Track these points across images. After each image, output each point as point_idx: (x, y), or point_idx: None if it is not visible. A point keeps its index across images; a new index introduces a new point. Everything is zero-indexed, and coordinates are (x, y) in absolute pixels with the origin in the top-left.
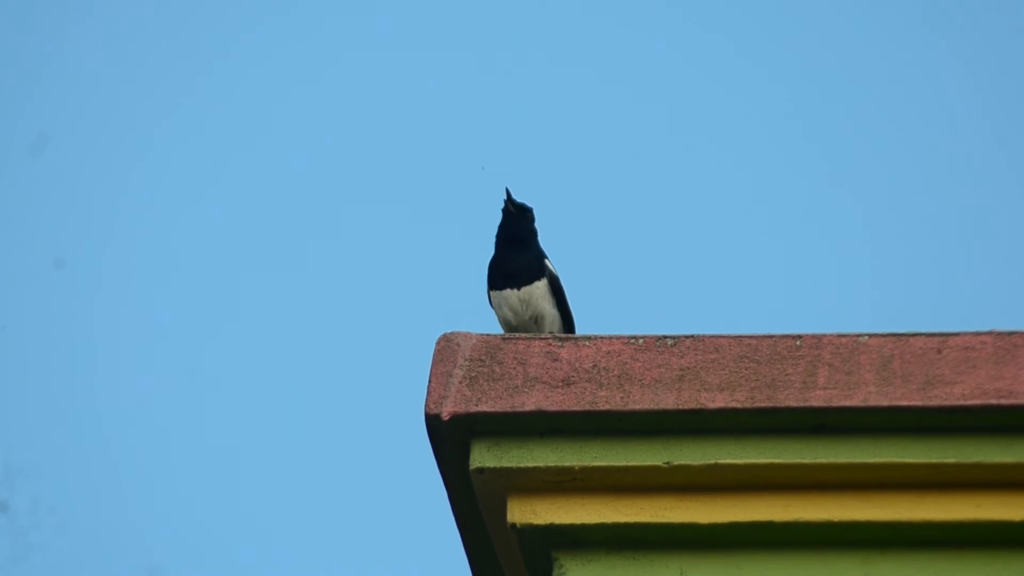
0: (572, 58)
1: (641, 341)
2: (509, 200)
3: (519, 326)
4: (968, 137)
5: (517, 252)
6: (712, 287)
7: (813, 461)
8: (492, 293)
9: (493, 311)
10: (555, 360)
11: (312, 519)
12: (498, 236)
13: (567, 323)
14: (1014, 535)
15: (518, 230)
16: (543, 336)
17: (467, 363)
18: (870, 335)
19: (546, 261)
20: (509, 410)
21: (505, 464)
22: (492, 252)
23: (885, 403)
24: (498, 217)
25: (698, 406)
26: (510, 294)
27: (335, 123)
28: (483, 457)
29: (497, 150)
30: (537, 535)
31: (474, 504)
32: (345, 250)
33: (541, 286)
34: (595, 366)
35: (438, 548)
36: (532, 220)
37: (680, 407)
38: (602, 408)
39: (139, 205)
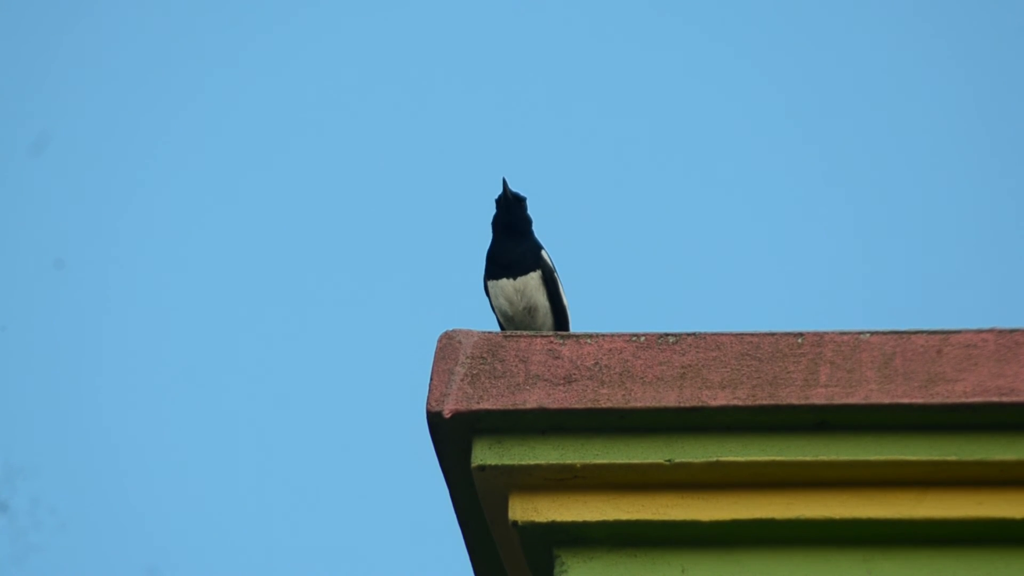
0: (575, 57)
1: (643, 339)
2: (506, 190)
3: (514, 316)
4: (969, 135)
5: (514, 242)
6: (714, 285)
7: (815, 459)
8: (489, 283)
9: (490, 303)
10: (557, 358)
11: (313, 518)
12: (494, 226)
13: (559, 316)
14: (1016, 533)
15: (514, 220)
16: (545, 334)
17: (469, 361)
18: (872, 333)
19: (543, 252)
20: (511, 408)
21: (507, 462)
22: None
23: (887, 401)
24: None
25: (700, 404)
26: (506, 284)
27: (335, 123)
28: (485, 455)
29: (498, 149)
30: (539, 533)
31: (476, 502)
32: (346, 249)
33: (535, 276)
34: (597, 364)
35: (440, 546)
36: (526, 209)
37: (682, 405)
38: (604, 406)
39: (140, 205)
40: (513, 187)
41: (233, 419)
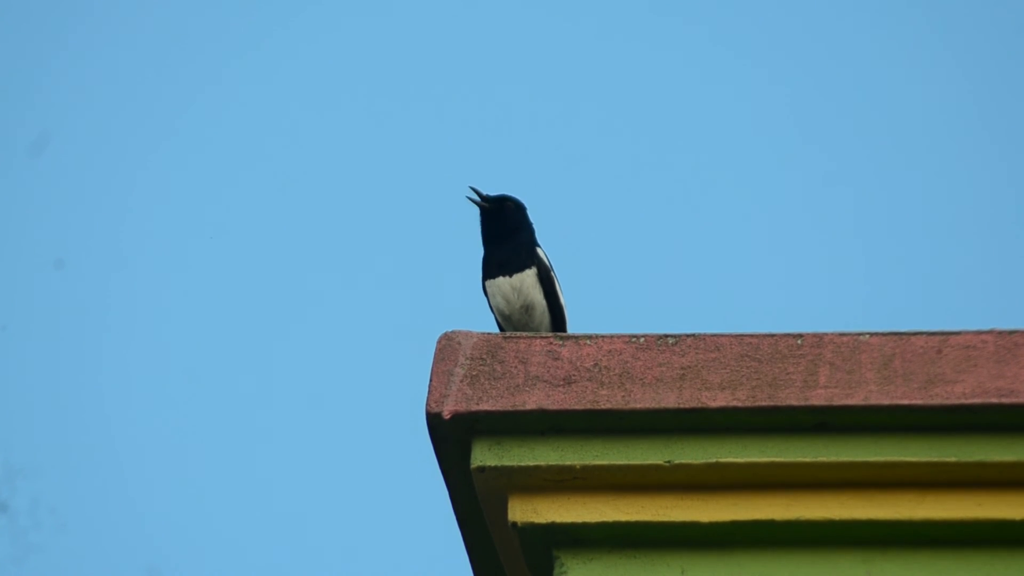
0: (574, 57)
1: (642, 340)
2: (480, 198)
3: (511, 315)
4: (969, 135)
5: (505, 242)
6: (713, 286)
7: (814, 460)
8: (487, 283)
9: (488, 304)
10: (556, 359)
11: (313, 518)
12: (482, 232)
13: (555, 314)
14: (1015, 534)
15: (499, 222)
16: (544, 335)
17: (468, 362)
18: (871, 334)
19: (538, 249)
20: (510, 409)
21: (506, 463)
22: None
23: (886, 402)
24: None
25: (699, 405)
26: (503, 282)
27: (335, 125)
28: (484, 456)
29: (498, 149)
30: (538, 534)
31: (475, 503)
32: (347, 249)
33: (531, 274)
34: (596, 365)
35: (439, 547)
36: (516, 208)
37: (681, 406)
38: (603, 407)
39: (140, 205)
40: (511, 189)
41: (233, 419)
